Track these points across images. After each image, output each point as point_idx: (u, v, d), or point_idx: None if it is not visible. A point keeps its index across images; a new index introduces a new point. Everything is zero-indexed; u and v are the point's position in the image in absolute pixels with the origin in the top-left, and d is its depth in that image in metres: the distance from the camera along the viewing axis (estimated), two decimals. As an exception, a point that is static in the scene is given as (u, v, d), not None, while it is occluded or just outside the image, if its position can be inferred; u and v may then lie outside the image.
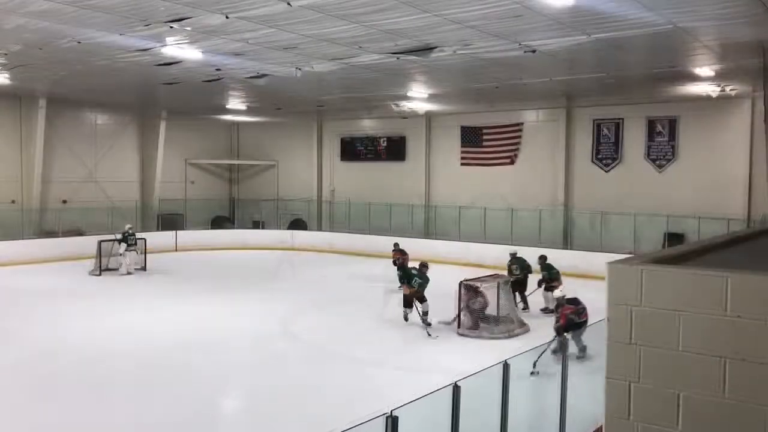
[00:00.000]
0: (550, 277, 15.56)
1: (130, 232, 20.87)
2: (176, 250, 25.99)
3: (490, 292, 13.71)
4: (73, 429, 8.60)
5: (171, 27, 12.97)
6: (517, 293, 15.16)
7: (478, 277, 14.46)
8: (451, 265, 21.14)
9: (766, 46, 13.62)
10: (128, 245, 20.55)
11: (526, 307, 15.38)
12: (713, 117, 21.30)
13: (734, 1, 10.67)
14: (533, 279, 16.02)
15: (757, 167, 20.49)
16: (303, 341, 12.99)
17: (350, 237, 26.34)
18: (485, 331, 13.22)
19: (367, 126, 29.17)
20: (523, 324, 13.59)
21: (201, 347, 12.26)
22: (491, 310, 13.62)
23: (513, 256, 16.59)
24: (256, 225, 30.01)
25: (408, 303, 14.08)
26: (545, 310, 15.23)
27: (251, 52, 15.32)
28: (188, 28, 13.08)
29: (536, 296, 15.60)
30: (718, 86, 19.01)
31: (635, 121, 22.65)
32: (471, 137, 26.01)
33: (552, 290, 14.45)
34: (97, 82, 20.28)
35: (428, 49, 14.64)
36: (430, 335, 13.10)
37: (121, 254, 20.48)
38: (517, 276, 15.65)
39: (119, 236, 20.74)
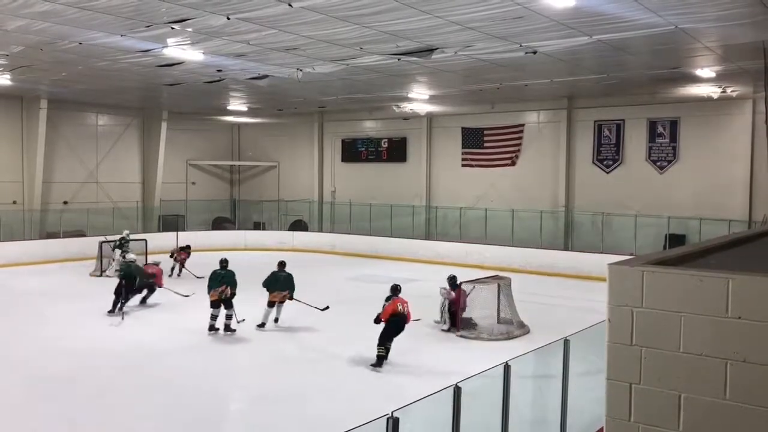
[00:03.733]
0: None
1: (127, 238, 20.84)
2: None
3: (485, 292, 13.73)
4: (73, 429, 8.60)
5: (172, 28, 12.99)
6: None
7: (478, 279, 14.46)
8: (452, 266, 21.14)
9: (767, 48, 13.62)
10: (123, 251, 20.48)
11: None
12: (714, 118, 21.29)
13: (735, 3, 10.67)
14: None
15: (758, 168, 20.49)
16: (304, 343, 12.98)
17: (351, 238, 26.34)
18: (484, 330, 13.23)
19: (368, 127, 29.19)
20: (522, 325, 13.58)
21: (202, 348, 12.26)
22: (481, 312, 13.63)
23: (282, 265, 14.25)
24: (257, 226, 30.03)
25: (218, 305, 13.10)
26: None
27: (252, 54, 15.34)
28: (190, 30, 13.10)
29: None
30: (720, 87, 19.02)
31: (636, 123, 22.64)
32: (472, 138, 26.01)
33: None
34: (98, 83, 20.32)
35: (429, 50, 14.65)
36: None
37: (114, 259, 20.44)
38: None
39: (116, 242, 20.68)
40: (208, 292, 13.40)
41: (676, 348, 3.12)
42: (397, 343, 12.89)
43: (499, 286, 13.84)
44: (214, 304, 13.22)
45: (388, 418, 4.57)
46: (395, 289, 12.11)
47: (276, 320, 13.93)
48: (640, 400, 3.22)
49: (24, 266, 21.64)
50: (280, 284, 13.69)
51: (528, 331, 13.46)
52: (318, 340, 13.15)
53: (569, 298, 17.37)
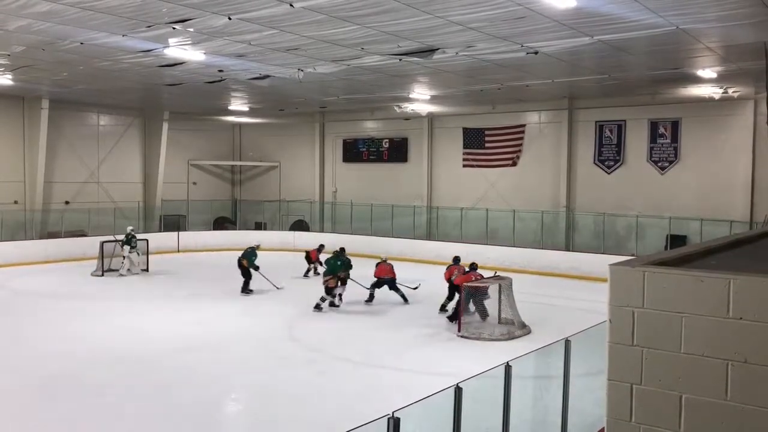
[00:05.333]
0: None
1: (133, 233, 20.96)
2: (178, 251, 26.01)
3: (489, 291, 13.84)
4: (75, 429, 8.61)
5: (174, 28, 12.99)
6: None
7: (480, 279, 14.47)
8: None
9: (768, 48, 13.60)
10: (131, 247, 20.63)
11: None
12: (716, 119, 21.28)
13: (737, 3, 10.66)
14: None
15: (759, 169, 20.50)
16: (304, 343, 12.99)
17: (352, 239, 26.30)
18: (485, 330, 13.24)
19: (370, 127, 29.19)
20: (523, 326, 13.58)
21: (203, 349, 12.26)
22: (492, 310, 13.74)
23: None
24: (259, 226, 30.03)
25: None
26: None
27: (254, 54, 15.34)
28: (191, 30, 13.10)
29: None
30: (721, 88, 19.00)
31: (637, 123, 22.64)
32: (473, 139, 26.01)
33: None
34: (99, 83, 20.33)
35: (431, 50, 14.65)
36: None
37: (125, 256, 20.52)
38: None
39: (122, 238, 20.79)
40: (325, 278, 15.74)
41: (677, 349, 3.11)
42: (398, 343, 12.94)
43: (500, 286, 13.84)
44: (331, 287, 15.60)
45: (389, 419, 4.57)
46: (455, 259, 15.84)
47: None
48: (641, 400, 3.22)
49: (25, 266, 21.66)
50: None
51: (529, 332, 13.45)
52: (318, 340, 13.15)
53: (570, 298, 17.36)
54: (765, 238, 5.73)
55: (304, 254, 21.21)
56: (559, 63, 15.90)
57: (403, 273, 17.13)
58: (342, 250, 17.18)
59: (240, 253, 17.92)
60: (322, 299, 15.54)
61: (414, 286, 16.50)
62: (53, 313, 15.30)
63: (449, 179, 26.94)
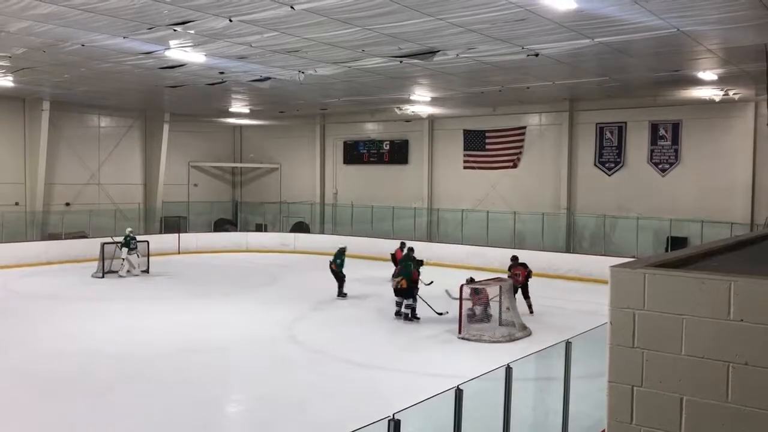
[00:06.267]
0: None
1: (131, 235, 20.92)
2: (179, 253, 26.02)
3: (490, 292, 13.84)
4: (75, 429, 8.60)
5: (175, 30, 13.00)
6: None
7: (480, 281, 14.47)
8: (454, 268, 21.13)
9: (769, 50, 13.60)
10: (129, 249, 20.60)
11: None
12: (716, 121, 21.28)
13: (738, 5, 10.66)
14: None
15: (760, 171, 20.49)
16: (305, 345, 12.98)
17: (353, 240, 26.30)
18: (485, 332, 13.24)
19: (370, 129, 29.21)
20: (524, 328, 13.57)
21: (203, 350, 12.26)
22: (493, 311, 13.76)
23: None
24: (259, 228, 30.06)
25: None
26: None
27: (254, 56, 15.36)
28: (192, 32, 13.12)
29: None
30: (722, 90, 19.00)
31: (638, 125, 22.63)
32: (474, 141, 26.02)
33: None
34: (100, 85, 20.35)
35: (431, 52, 14.66)
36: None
37: (123, 258, 20.52)
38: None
39: (120, 240, 20.78)
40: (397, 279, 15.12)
41: (678, 351, 3.11)
42: (398, 345, 12.95)
43: (500, 288, 13.84)
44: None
45: (389, 420, 4.57)
46: (513, 259, 16.05)
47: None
48: (641, 402, 3.22)
49: (26, 267, 21.66)
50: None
51: (529, 334, 13.44)
52: (319, 341, 13.14)
53: (571, 300, 17.36)
54: (766, 240, 5.73)
55: (390, 256, 19.81)
56: (559, 65, 15.91)
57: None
58: (411, 249, 16.43)
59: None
60: (409, 307, 14.60)
61: (427, 282, 15.45)
62: (53, 314, 15.31)
63: (450, 181, 26.94)
